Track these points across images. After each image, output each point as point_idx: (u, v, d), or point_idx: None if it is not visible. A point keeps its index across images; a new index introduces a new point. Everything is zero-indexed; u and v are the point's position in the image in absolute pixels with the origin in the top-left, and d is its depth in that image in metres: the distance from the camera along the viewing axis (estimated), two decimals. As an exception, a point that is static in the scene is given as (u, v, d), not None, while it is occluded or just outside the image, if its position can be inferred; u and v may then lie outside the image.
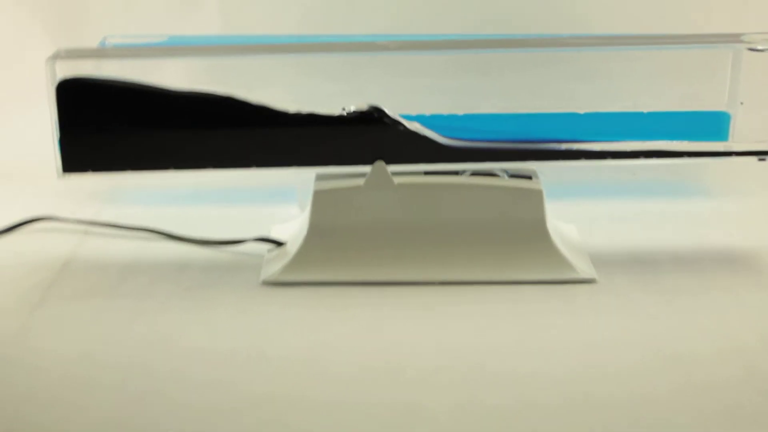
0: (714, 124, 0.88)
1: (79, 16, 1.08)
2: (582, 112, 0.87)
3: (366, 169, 0.81)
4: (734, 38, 0.83)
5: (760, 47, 0.82)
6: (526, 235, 0.83)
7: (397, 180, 0.81)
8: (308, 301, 0.79)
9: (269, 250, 0.87)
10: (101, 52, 0.84)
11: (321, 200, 0.82)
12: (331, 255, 0.82)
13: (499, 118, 0.85)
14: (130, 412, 0.63)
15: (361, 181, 0.81)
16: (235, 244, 0.89)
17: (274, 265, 0.83)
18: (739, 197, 1.01)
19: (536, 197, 0.82)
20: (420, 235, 0.82)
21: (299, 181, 0.97)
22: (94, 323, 0.75)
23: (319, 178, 0.83)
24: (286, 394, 0.65)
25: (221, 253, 0.88)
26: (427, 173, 0.82)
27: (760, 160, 0.83)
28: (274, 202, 1.01)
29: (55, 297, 0.79)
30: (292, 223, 0.91)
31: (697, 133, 0.87)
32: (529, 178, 0.83)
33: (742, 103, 0.84)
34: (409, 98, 0.87)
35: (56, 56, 0.79)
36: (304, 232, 0.82)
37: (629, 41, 0.89)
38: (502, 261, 0.82)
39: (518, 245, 0.83)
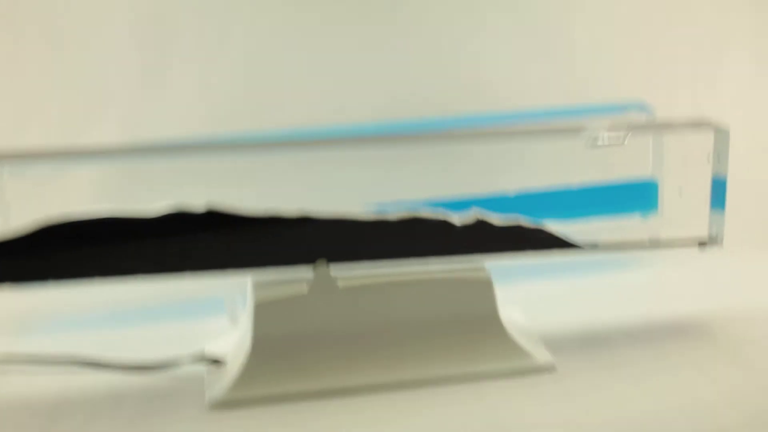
0: (642, 194, 0.92)
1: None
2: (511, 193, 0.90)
3: (304, 271, 0.82)
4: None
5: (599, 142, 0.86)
6: (478, 326, 0.84)
7: (341, 283, 0.82)
8: (262, 420, 0.77)
9: (208, 370, 0.86)
10: (31, 153, 0.83)
11: (263, 312, 0.81)
12: (279, 367, 0.81)
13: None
14: None
15: (304, 288, 0.81)
16: (171, 368, 0.87)
17: (219, 384, 0.82)
18: (678, 264, 1.05)
19: (486, 287, 0.84)
20: (371, 336, 0.82)
21: (226, 290, 0.97)
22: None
23: (257, 286, 0.83)
24: None
25: (157, 378, 0.86)
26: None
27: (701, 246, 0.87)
28: (199, 316, 1.00)
29: None
30: (226, 338, 0.91)
31: (627, 205, 0.91)
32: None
33: (680, 192, 0.88)
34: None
35: None
36: (247, 346, 0.81)
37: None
38: (457, 355, 0.83)
39: (471, 337, 0.83)
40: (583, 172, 0.96)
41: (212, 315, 0.99)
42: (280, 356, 0.81)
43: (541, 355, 0.84)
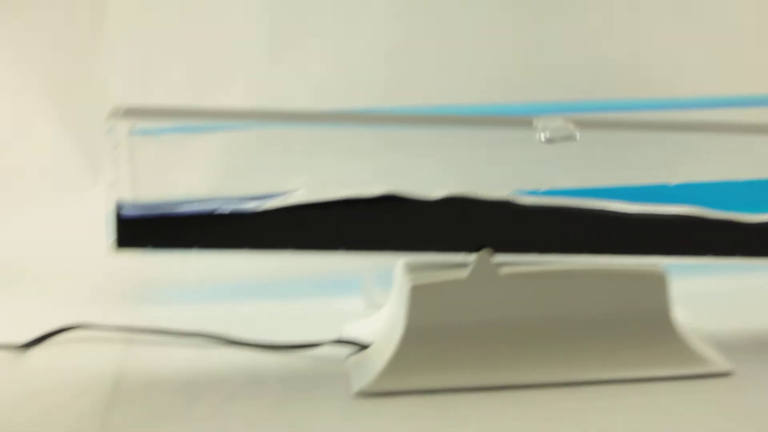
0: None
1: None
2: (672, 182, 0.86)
3: (464, 257, 0.79)
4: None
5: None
6: (649, 325, 0.80)
7: (503, 270, 0.78)
8: (410, 412, 0.74)
9: (350, 355, 0.83)
10: (164, 111, 0.81)
11: (419, 296, 0.78)
12: (431, 356, 0.78)
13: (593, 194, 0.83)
14: None
15: (463, 273, 0.78)
16: (310, 348, 0.85)
17: (365, 372, 0.79)
18: None
19: (659, 283, 0.80)
20: (531, 330, 0.78)
21: (363, 270, 0.94)
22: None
23: (411, 269, 0.80)
24: None
25: (294, 359, 0.84)
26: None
27: None
28: (330, 295, 0.98)
29: (119, 428, 0.73)
30: (367, 321, 0.88)
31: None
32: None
33: None
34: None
35: (117, 113, 0.76)
36: (398, 332, 0.78)
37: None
38: (624, 356, 0.79)
39: (641, 337, 0.79)
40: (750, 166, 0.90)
41: (344, 295, 0.97)
42: (432, 345, 0.78)
43: (716, 359, 0.80)
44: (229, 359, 0.83)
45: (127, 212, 0.76)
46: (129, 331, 0.88)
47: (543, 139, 0.78)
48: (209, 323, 0.88)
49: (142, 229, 0.77)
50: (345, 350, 0.83)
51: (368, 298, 0.93)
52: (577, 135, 0.78)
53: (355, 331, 0.86)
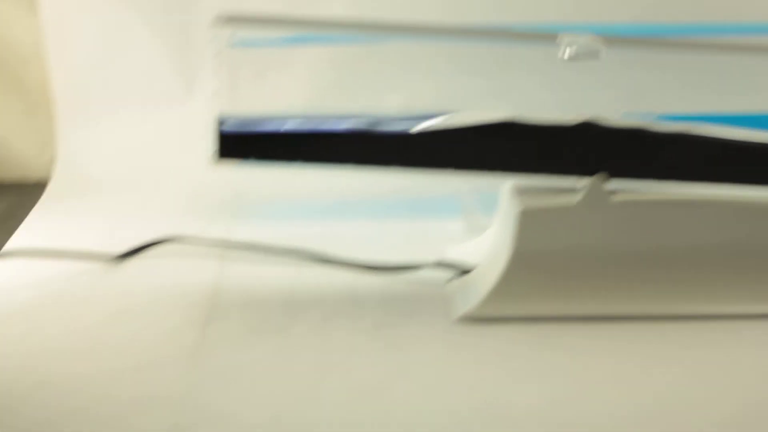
0: None
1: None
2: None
3: (574, 182, 0.76)
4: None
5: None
6: (766, 260, 0.77)
7: (616, 197, 0.76)
8: (512, 339, 0.73)
9: (451, 278, 0.82)
10: (266, 18, 0.79)
11: (528, 221, 0.76)
12: (537, 285, 0.76)
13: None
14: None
15: (573, 199, 0.76)
16: (410, 270, 0.83)
17: (468, 297, 0.77)
18: None
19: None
20: (643, 260, 0.76)
21: (463, 192, 0.92)
22: (275, 376, 0.68)
23: (520, 192, 0.78)
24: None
25: (393, 281, 0.83)
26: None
27: None
28: (428, 217, 0.96)
29: (217, 341, 0.72)
30: (468, 244, 0.86)
31: None
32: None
33: None
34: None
35: (219, 21, 0.74)
36: (504, 257, 0.76)
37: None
38: (738, 291, 0.77)
39: (756, 273, 0.77)
40: None
41: (444, 217, 0.95)
42: (539, 271, 0.76)
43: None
44: (327, 279, 0.82)
45: (230, 124, 0.75)
46: (224, 246, 0.87)
47: (567, 56, 0.75)
48: (306, 241, 0.87)
49: (244, 141, 0.75)
50: (446, 274, 0.81)
51: (469, 220, 0.92)
52: (603, 52, 0.75)
53: (456, 254, 0.84)
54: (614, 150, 0.75)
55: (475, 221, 0.91)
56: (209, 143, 0.75)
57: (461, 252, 0.84)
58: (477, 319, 0.75)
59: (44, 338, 0.73)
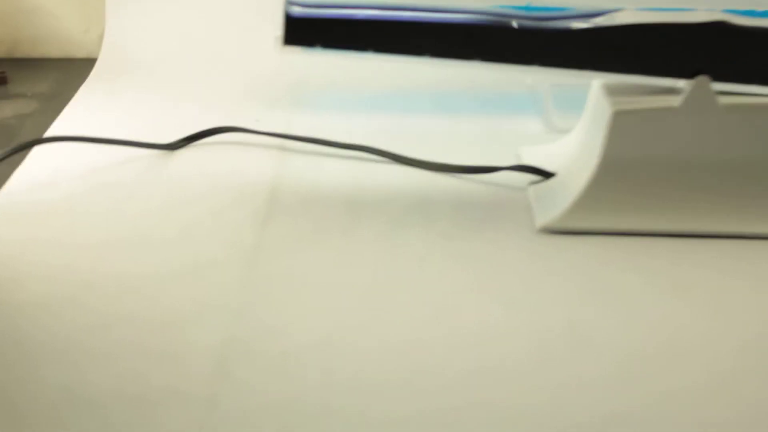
0: None
1: None
2: None
3: (674, 83, 0.69)
4: None
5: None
6: None
7: (723, 100, 0.69)
8: (603, 256, 0.66)
9: (531, 183, 0.76)
10: None
11: (622, 123, 0.69)
12: (628, 195, 0.69)
13: None
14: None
15: (675, 101, 0.69)
16: (486, 172, 0.78)
17: (551, 205, 0.71)
18: None
19: None
20: (747, 173, 0.70)
21: (540, 89, 0.86)
22: (335, 287, 0.62)
23: (612, 92, 0.71)
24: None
25: (468, 184, 0.77)
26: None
27: None
28: (502, 114, 0.90)
29: (276, 243, 0.67)
30: (549, 146, 0.80)
31: None
32: None
33: None
34: None
35: None
36: (591, 162, 0.70)
37: None
38: None
39: None
40: None
41: (519, 115, 0.89)
42: (630, 180, 0.70)
43: None
44: (396, 178, 0.77)
45: (298, 7, 0.69)
46: (286, 138, 0.82)
47: None
48: (373, 136, 0.81)
49: (315, 26, 0.69)
50: (525, 177, 0.75)
51: (547, 120, 0.85)
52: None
53: (536, 156, 0.78)
54: (713, 48, 0.68)
55: (554, 121, 0.85)
56: (274, 26, 0.68)
57: (540, 154, 0.78)
58: (560, 230, 0.69)
59: (90, 233, 0.68)
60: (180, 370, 0.53)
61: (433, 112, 0.89)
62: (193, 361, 0.54)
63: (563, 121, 0.83)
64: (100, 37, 1.02)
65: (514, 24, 0.68)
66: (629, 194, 0.70)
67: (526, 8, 0.68)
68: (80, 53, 1.05)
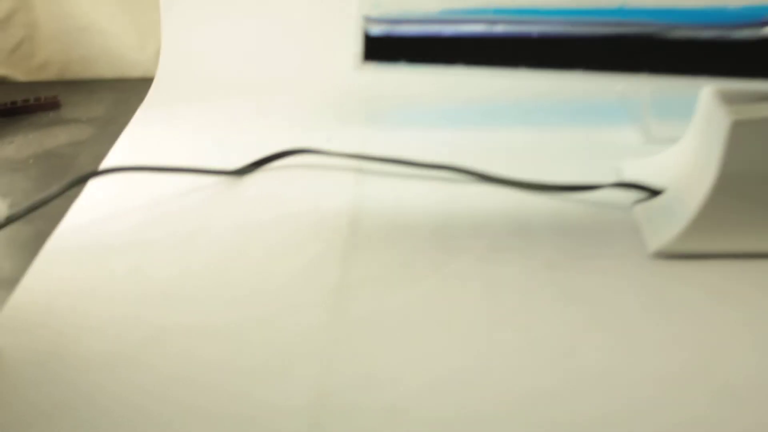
0: None
1: None
2: None
3: None
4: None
5: None
6: None
7: None
8: (725, 281, 0.61)
9: (637, 201, 0.70)
10: None
11: (742, 134, 0.63)
12: (750, 213, 0.64)
13: None
14: None
15: (799, 106, 0.62)
16: (585, 191, 0.71)
17: (664, 226, 0.65)
18: None
19: None
20: None
21: (635, 95, 0.80)
22: (430, 329, 0.57)
23: (728, 99, 0.65)
24: None
25: (565, 203, 0.71)
26: None
27: None
28: (594, 124, 0.84)
29: (361, 280, 0.61)
30: (653, 159, 0.74)
31: None
32: None
33: None
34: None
35: None
36: (708, 178, 0.64)
37: None
38: None
39: None
40: None
41: (612, 125, 0.82)
42: (753, 195, 0.63)
43: None
44: (486, 200, 0.71)
45: (378, 25, 0.63)
46: (363, 159, 0.76)
47: None
48: (456, 154, 0.76)
49: (396, 43, 0.63)
50: (629, 195, 0.69)
51: (646, 130, 0.79)
52: None
53: (638, 171, 0.72)
54: None
55: (653, 131, 0.78)
56: (351, 42, 0.63)
57: (643, 169, 0.72)
58: (676, 254, 0.63)
59: (155, 273, 0.63)
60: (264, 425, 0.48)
61: (519, 126, 0.83)
62: (283, 425, 0.49)
63: (663, 131, 0.77)
64: (157, 54, 0.97)
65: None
66: (751, 211, 0.63)
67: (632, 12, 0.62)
68: (136, 72, 1.00)
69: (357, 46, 0.62)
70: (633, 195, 0.69)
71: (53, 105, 0.93)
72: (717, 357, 0.53)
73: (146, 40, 0.99)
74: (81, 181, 0.72)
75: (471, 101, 0.86)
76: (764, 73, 0.61)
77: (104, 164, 0.78)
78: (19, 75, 1.01)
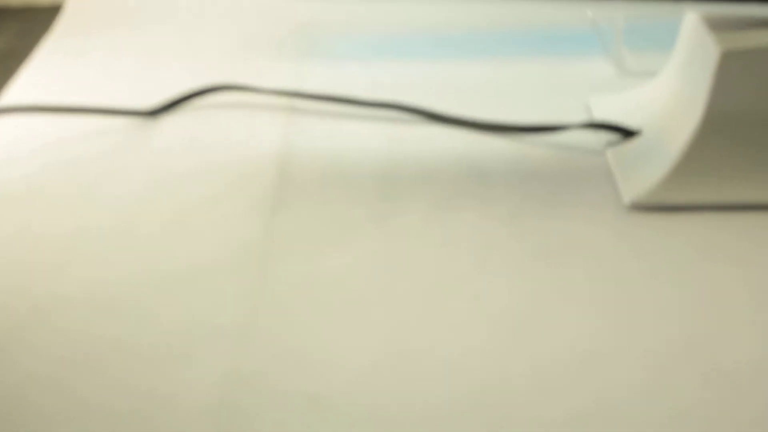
0: None
1: None
2: None
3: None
4: None
5: None
6: None
7: None
8: (705, 234, 0.54)
9: (610, 144, 0.62)
10: None
11: (732, 67, 0.55)
12: (739, 159, 0.56)
13: None
14: None
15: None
16: (551, 132, 0.64)
17: (641, 173, 0.57)
18: None
19: None
20: None
21: (606, 22, 0.72)
22: (373, 296, 0.49)
23: (714, 26, 0.57)
24: None
25: (529, 147, 0.63)
26: None
27: None
28: (562, 55, 0.76)
29: (291, 236, 0.53)
30: (626, 95, 0.66)
31: None
32: None
33: None
34: None
35: None
36: (692, 118, 0.56)
37: None
38: None
39: None
40: None
41: (583, 56, 0.75)
42: (743, 138, 0.56)
43: None
44: (438, 143, 0.63)
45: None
46: (296, 96, 0.68)
47: None
48: (404, 90, 0.68)
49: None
50: (600, 137, 0.62)
51: (619, 61, 0.71)
52: None
53: (610, 109, 0.64)
54: None
55: (628, 63, 0.71)
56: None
57: (616, 106, 0.65)
58: (655, 206, 0.55)
59: (54, 228, 0.55)
60: (169, 416, 0.40)
61: (476, 58, 0.75)
62: (185, 419, 0.41)
63: (639, 63, 0.70)
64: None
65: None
66: (740, 156, 0.56)
67: None
68: (44, 0, 0.90)
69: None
70: (605, 137, 0.61)
71: (-52, 36, 0.84)
72: (714, 324, 0.46)
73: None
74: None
75: (420, 30, 0.78)
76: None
77: (0, 102, 0.69)
78: None
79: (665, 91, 0.61)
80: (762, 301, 0.48)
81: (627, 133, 0.61)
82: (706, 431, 0.41)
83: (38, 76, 0.74)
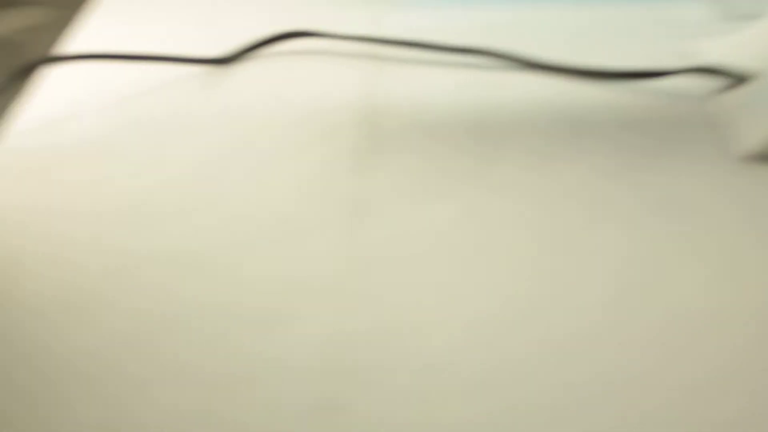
0: None
1: None
2: None
3: None
4: None
5: None
6: None
7: None
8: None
9: (716, 91, 0.58)
10: None
11: None
12: None
13: None
14: None
15: None
16: (652, 78, 0.60)
17: (756, 121, 0.54)
18: None
19: None
20: None
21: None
22: (484, 253, 0.46)
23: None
24: None
25: (628, 94, 0.59)
26: None
27: None
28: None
29: (385, 191, 0.50)
30: (733, 39, 0.62)
31: None
32: None
33: None
34: None
35: None
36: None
37: None
38: None
39: None
40: None
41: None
42: None
43: None
44: (530, 91, 0.60)
45: None
46: (378, 42, 0.65)
47: None
48: (493, 36, 0.65)
49: None
50: (704, 83, 0.58)
51: (723, 3, 0.67)
52: None
53: (714, 53, 0.61)
54: None
55: (732, 4, 0.67)
56: None
57: (720, 50, 0.61)
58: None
59: (120, 190, 0.52)
60: (266, 394, 0.38)
61: (569, 2, 0.71)
62: (285, 388, 0.38)
63: (744, 5, 0.66)
64: None
65: None
66: None
67: None
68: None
69: None
70: (711, 83, 0.58)
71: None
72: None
73: None
74: (27, 71, 0.60)
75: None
76: None
77: (60, 51, 0.67)
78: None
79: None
80: None
81: (737, 78, 0.57)
82: None
83: (101, 23, 0.71)
